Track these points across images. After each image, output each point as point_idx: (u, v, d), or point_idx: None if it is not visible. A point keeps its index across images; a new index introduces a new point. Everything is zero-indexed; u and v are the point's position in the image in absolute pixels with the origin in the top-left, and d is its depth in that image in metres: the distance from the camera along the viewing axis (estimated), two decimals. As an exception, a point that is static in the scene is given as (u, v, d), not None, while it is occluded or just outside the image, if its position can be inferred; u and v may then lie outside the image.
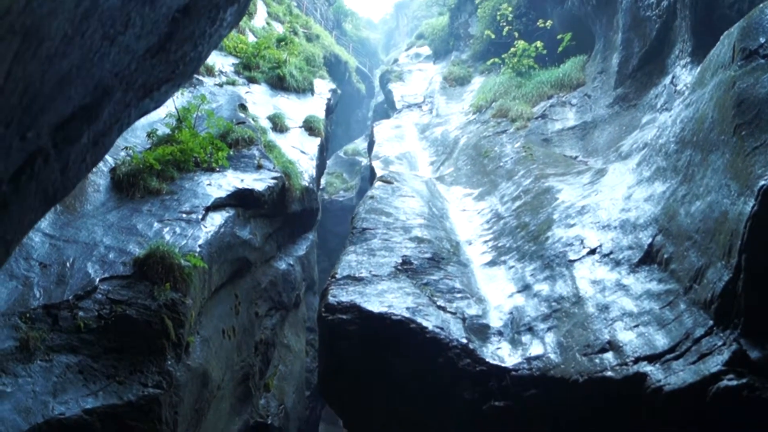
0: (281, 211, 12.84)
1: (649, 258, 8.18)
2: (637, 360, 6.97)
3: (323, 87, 24.15)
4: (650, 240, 8.29)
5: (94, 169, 9.20)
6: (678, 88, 12.91)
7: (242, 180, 11.47)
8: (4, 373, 6.41)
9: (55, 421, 6.39)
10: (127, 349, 7.26)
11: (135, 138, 11.65)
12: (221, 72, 18.87)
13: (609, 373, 7.09)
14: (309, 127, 18.26)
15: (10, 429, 6.04)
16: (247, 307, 11.25)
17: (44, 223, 8.36)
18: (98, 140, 4.59)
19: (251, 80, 19.48)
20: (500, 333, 8.65)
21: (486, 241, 11.76)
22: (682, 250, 7.49)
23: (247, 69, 20.16)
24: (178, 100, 13.22)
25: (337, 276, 9.32)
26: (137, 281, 7.88)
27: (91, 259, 8.13)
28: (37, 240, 8.06)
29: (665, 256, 7.84)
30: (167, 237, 8.89)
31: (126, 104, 4.85)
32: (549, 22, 22.42)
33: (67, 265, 7.93)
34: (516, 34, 23.66)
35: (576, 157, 14.78)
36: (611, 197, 10.05)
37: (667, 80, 13.62)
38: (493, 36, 25.61)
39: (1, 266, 4.17)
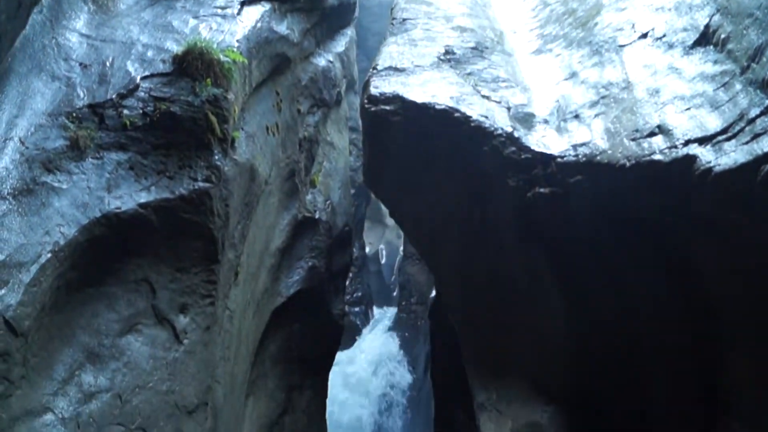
0: (318, 5, 12.44)
1: (704, 39, 7.79)
2: (687, 142, 6.84)
3: None
4: (707, 20, 7.86)
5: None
6: None
7: (276, -28, 11.03)
8: (58, 170, 6.53)
9: (112, 215, 6.58)
10: (174, 146, 7.32)
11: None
12: None
13: (657, 157, 6.99)
14: None
15: (70, 222, 6.25)
16: (288, 104, 11.20)
17: (80, 23, 8.21)
18: None
19: None
20: (546, 121, 8.53)
21: (531, 29, 11.33)
22: (741, 29, 7.10)
23: None
24: None
25: (379, 67, 9.14)
26: (178, 78, 7.80)
27: (130, 57, 8.03)
28: (74, 41, 7.95)
29: (722, 36, 7.45)
30: (204, 33, 8.70)
31: None
32: None
33: (107, 64, 7.85)
34: None
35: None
36: (666, -23, 9.48)
37: None
38: None
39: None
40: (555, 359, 9.22)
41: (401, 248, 27.50)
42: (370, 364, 22.13)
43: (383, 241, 32.89)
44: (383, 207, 23.71)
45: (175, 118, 7.30)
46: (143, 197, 6.82)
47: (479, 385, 9.55)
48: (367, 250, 29.62)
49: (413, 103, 8.41)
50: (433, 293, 17.91)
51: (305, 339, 11.66)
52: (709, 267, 7.57)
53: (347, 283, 16.71)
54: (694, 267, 7.76)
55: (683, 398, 8.38)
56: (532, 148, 8.14)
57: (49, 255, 5.90)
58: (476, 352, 9.86)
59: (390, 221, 30.04)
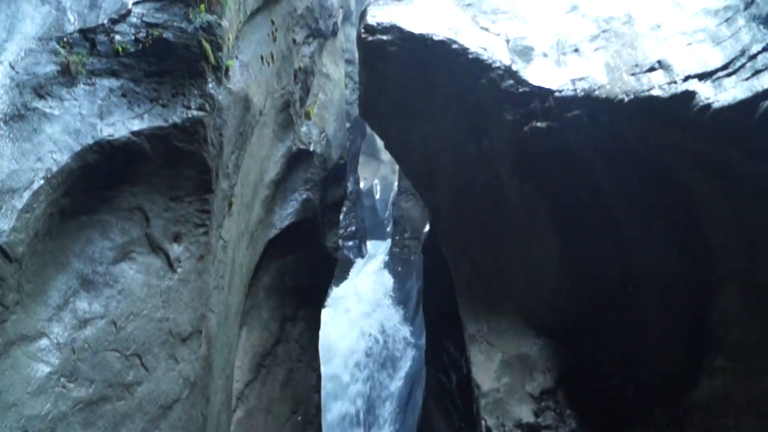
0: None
1: (708, -28, 7.67)
2: (686, 78, 6.78)
3: None
4: (711, -48, 7.72)
5: None
6: None
7: None
8: (49, 96, 6.44)
9: (104, 142, 6.51)
10: (167, 73, 7.20)
11: None
12: None
13: (656, 92, 6.94)
14: None
15: (63, 149, 6.19)
16: (284, 33, 11.01)
17: (70, -55, 8.00)
18: None
19: None
20: (545, 54, 8.40)
21: (532, -40, 11.10)
22: (746, -38, 6.99)
23: None
24: None
25: (376, -5, 8.97)
26: (171, 4, 7.61)
27: (122, -19, 7.86)
28: (64, -37, 7.76)
29: (727, -31, 7.33)
30: (198, -43, 8.49)
31: None
32: None
33: (98, -12, 7.69)
34: None
35: None
36: None
37: None
38: None
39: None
40: (547, 293, 9.32)
41: (396, 183, 27.44)
42: (361, 301, 22.31)
43: (378, 177, 32.84)
44: (378, 142, 23.60)
45: (168, 44, 7.16)
46: (136, 125, 6.74)
47: (471, 318, 9.66)
48: (362, 185, 29.60)
49: (411, 34, 8.28)
50: (427, 228, 17.97)
51: (299, 271, 11.72)
52: (704, 204, 7.60)
53: (341, 217, 16.71)
54: (689, 204, 7.78)
55: (672, 334, 8.50)
56: (530, 81, 8.05)
57: (41, 181, 5.86)
58: (469, 286, 9.94)
59: (385, 156, 29.94)
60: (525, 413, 9.07)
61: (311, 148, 12.09)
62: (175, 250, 7.01)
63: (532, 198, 8.96)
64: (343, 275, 23.03)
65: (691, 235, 7.94)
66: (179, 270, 6.95)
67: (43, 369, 5.54)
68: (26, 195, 5.68)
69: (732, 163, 6.68)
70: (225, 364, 8.32)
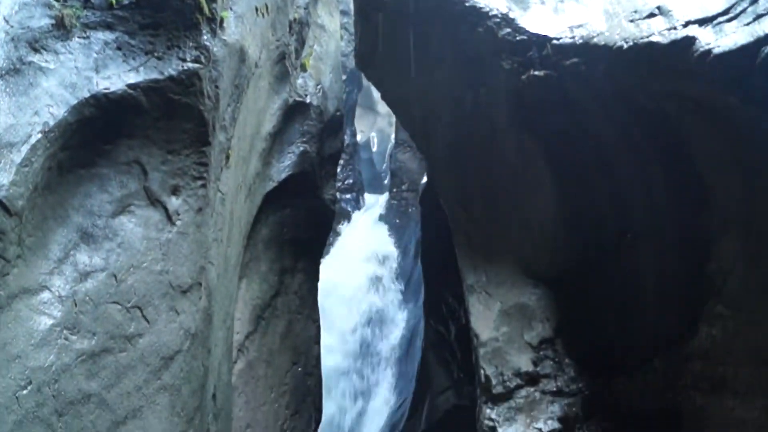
0: None
1: None
2: (687, 24, 6.71)
3: None
4: None
5: None
6: None
7: None
8: (45, 50, 6.37)
9: (101, 95, 6.47)
10: (162, 25, 7.12)
11: None
12: None
13: (656, 38, 6.87)
14: None
15: (59, 103, 6.15)
16: (278, -17, 10.89)
17: None
18: None
19: None
20: (542, 2, 8.30)
21: None
22: None
23: None
24: None
25: (372, -56, 8.86)
26: (164, -45, 7.52)
27: (113, -69, 7.73)
28: None
29: None
30: None
31: None
32: None
33: (89, -62, 7.56)
34: None
35: None
36: None
37: None
38: None
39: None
40: (545, 242, 9.37)
41: (393, 136, 27.38)
42: (360, 251, 22.40)
43: (375, 129, 32.74)
44: (375, 94, 23.46)
45: (162, -4, 7.07)
46: (132, 78, 6.68)
47: (469, 268, 9.71)
48: (359, 137, 29.51)
49: (406, -18, 8.20)
50: (424, 180, 17.98)
51: (297, 223, 11.73)
52: (704, 152, 7.59)
53: (338, 170, 16.68)
54: (688, 153, 7.77)
55: (670, 282, 8.55)
56: (528, 29, 7.97)
57: (39, 135, 5.83)
58: (467, 236, 9.97)
59: (382, 109, 29.79)
60: (524, 362, 9.17)
61: (307, 100, 12.00)
62: (174, 203, 7.01)
63: (530, 148, 8.94)
64: (341, 228, 23.10)
65: (690, 183, 7.94)
66: (178, 223, 6.96)
67: (46, 321, 5.58)
68: (24, 149, 5.67)
69: (732, 110, 6.65)
70: (225, 316, 8.38)
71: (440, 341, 14.47)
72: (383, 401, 18.43)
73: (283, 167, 11.35)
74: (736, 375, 7.88)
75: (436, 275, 14.59)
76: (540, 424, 8.85)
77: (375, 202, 26.62)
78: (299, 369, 11.70)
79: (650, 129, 7.95)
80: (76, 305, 5.85)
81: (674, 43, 6.66)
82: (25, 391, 5.05)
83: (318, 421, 12.30)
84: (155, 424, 5.96)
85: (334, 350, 18.29)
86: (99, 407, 5.56)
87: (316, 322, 12.59)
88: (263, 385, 10.49)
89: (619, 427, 8.75)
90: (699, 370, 8.21)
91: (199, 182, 7.30)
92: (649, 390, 8.58)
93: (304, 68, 12.60)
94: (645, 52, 6.91)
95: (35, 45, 6.29)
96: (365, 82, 24.13)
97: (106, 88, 6.49)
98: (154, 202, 6.92)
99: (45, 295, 5.69)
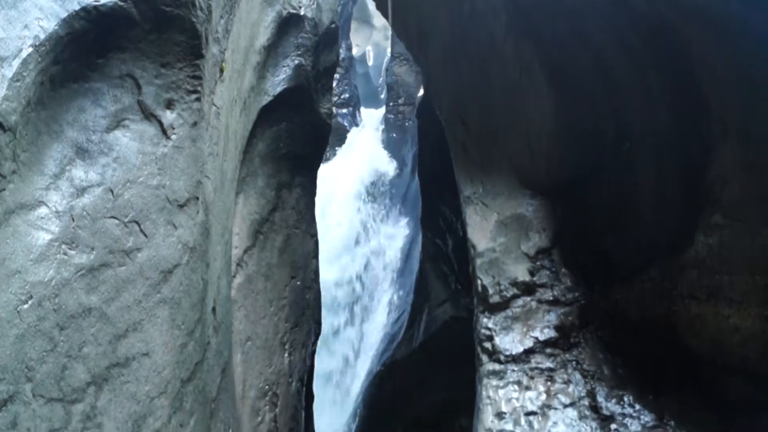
0: None
1: None
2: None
3: None
4: None
5: None
6: None
7: None
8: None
9: (91, 7, 6.28)
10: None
11: None
12: None
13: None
14: None
15: (50, 16, 5.99)
16: None
17: None
18: None
19: None
20: None
21: None
22: None
23: None
24: None
25: None
26: None
27: None
28: None
29: None
30: None
31: None
32: None
33: None
34: None
35: None
36: None
37: None
38: None
39: None
40: (542, 153, 9.34)
41: (388, 49, 27.00)
42: (357, 166, 22.37)
43: (370, 43, 32.28)
44: (370, 6, 23.03)
45: None
46: (121, -12, 6.50)
47: (466, 179, 9.70)
48: (354, 51, 29.14)
49: None
50: (421, 92, 17.79)
51: (293, 137, 11.66)
52: (702, 59, 7.48)
53: (334, 84, 16.48)
54: (687, 60, 7.66)
55: (668, 192, 8.56)
56: None
57: (30, 49, 5.69)
58: (464, 147, 9.94)
59: (377, 22, 29.30)
60: (520, 272, 9.26)
61: (302, 12, 11.77)
62: (168, 116, 6.92)
63: (527, 57, 8.82)
64: (338, 143, 23.01)
65: (689, 91, 7.86)
66: (173, 137, 6.88)
67: (44, 237, 5.57)
68: (15, 63, 5.54)
69: (731, 14, 6.52)
70: (223, 231, 8.40)
71: (438, 254, 14.60)
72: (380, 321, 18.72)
73: (278, 81, 11.20)
74: (731, 284, 7.98)
75: (433, 188, 14.61)
76: (536, 333, 9.00)
77: (371, 117, 26.46)
78: (298, 283, 11.81)
79: (649, 36, 7.81)
80: (73, 220, 5.84)
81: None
82: (26, 306, 5.08)
83: (317, 334, 12.50)
84: (156, 336, 6.03)
85: (332, 262, 18.48)
86: (100, 320, 5.60)
87: (314, 236, 12.65)
88: (262, 299, 10.61)
89: (615, 335, 8.90)
90: (695, 279, 8.30)
91: (194, 96, 7.19)
92: (645, 299, 8.70)
93: (297, -22, 12.32)
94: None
95: (21, -44, 6.10)
96: (360, -7, 23.68)
97: (96, 0, 6.32)
98: (149, 116, 6.82)
99: (42, 211, 5.66)
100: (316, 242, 12.69)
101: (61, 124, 6.19)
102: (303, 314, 11.73)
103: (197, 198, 7.03)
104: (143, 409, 5.62)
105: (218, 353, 7.45)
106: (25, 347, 4.81)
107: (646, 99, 8.37)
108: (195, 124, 7.16)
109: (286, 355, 10.83)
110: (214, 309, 7.45)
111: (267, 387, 9.97)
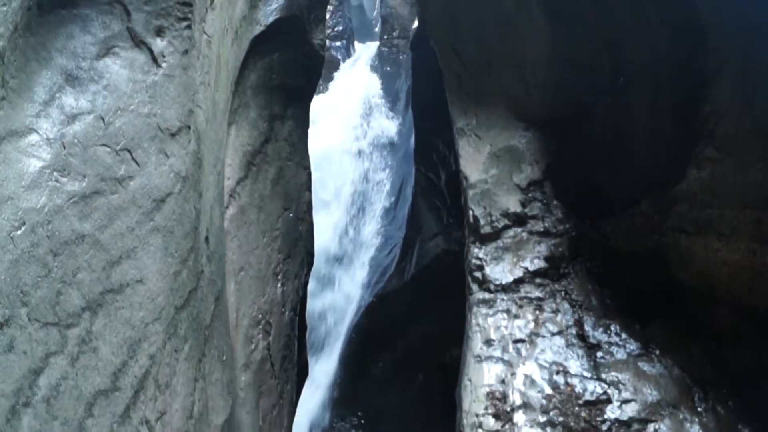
0: None
1: None
2: None
3: None
4: None
5: None
6: None
7: None
8: None
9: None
10: None
11: None
12: None
13: None
14: None
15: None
16: None
17: None
18: None
19: None
20: None
21: None
22: None
23: None
24: None
25: None
26: None
27: None
28: None
29: None
30: None
31: None
32: None
33: None
34: None
35: None
36: None
37: None
38: None
39: None
40: (537, 85, 9.29)
41: (383, -20, 26.53)
42: (349, 99, 22.24)
43: (364, -27, 31.66)
44: (364, -66, 22.51)
45: None
46: None
47: (459, 112, 9.68)
48: (348, -18, 28.62)
49: None
50: (416, 24, 17.58)
51: (286, 68, 11.53)
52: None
53: (328, 17, 16.23)
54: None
55: (662, 127, 8.57)
56: None
57: (15, -28, 5.59)
58: (458, 79, 9.88)
59: (371, -49, 28.67)
60: (512, 203, 9.32)
61: None
62: (159, 44, 6.83)
63: (524, -13, 8.70)
64: (331, 76, 22.81)
65: (686, 24, 7.81)
66: (164, 65, 6.81)
67: (35, 164, 5.56)
68: (0, -13, 5.45)
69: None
70: (215, 161, 8.38)
71: (430, 188, 14.64)
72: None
73: (270, 10, 11.02)
74: (721, 217, 8.06)
75: (426, 122, 14.56)
76: (526, 263, 9.10)
77: (365, 50, 26.17)
78: (291, 215, 11.84)
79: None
80: (64, 148, 5.81)
81: None
82: (19, 232, 5.09)
83: (310, 265, 12.59)
84: (149, 264, 6.07)
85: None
86: (93, 247, 5.63)
87: (306, 168, 12.63)
88: (255, 230, 10.64)
89: (604, 267, 9.01)
90: (685, 213, 8.38)
91: (184, 23, 7.08)
92: (636, 231, 8.79)
93: None
94: None
95: None
96: None
97: None
98: (139, 43, 6.73)
99: (33, 138, 5.63)
100: (309, 174, 12.69)
101: (50, 50, 6.11)
102: (296, 245, 11.80)
103: (189, 127, 6.99)
104: (138, 334, 5.70)
105: (212, 282, 7.52)
106: (20, 272, 4.84)
107: (643, 33, 8.30)
108: (186, 52, 7.07)
109: (279, 285, 10.93)
110: (207, 239, 7.48)
111: (260, 316, 10.09)
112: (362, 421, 15.94)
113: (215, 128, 8.47)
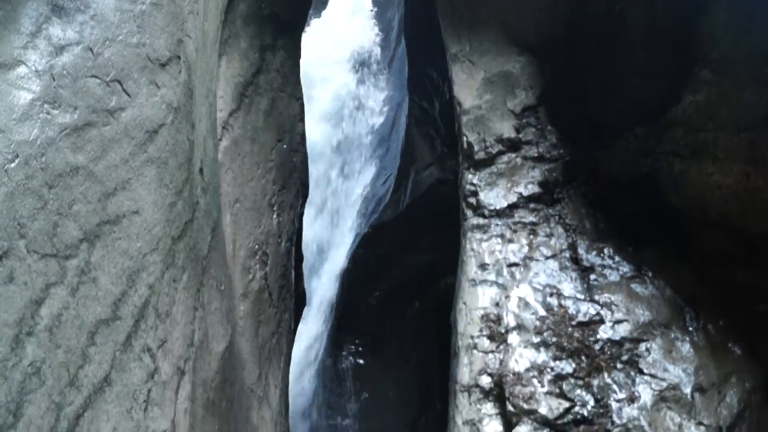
0: None
1: None
2: None
3: None
4: None
5: None
6: None
7: None
8: None
9: None
10: None
11: None
12: None
13: None
14: None
15: None
16: None
17: None
18: None
19: None
20: None
21: None
22: None
23: None
24: None
25: None
26: None
27: None
28: None
29: None
30: None
31: None
32: None
33: None
34: None
35: None
36: None
37: None
38: None
39: None
40: (531, 9, 9.17)
41: None
42: (341, 29, 21.95)
43: None
44: None
45: None
46: None
47: (453, 38, 9.58)
48: None
49: None
50: (408, -50, 17.21)
51: (276, -3, 11.38)
52: None
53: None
54: None
55: (658, 53, 8.51)
56: None
57: None
58: (451, 5, 9.75)
59: None
60: (506, 129, 9.30)
61: None
62: (145, -28, 6.71)
63: None
64: (323, 5, 22.42)
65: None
66: (152, -7, 6.70)
67: (26, 96, 5.50)
68: None
69: None
70: (207, 92, 8.31)
71: (424, 117, 14.57)
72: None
73: (258, -63, 10.83)
74: (716, 141, 8.08)
75: (419, 50, 14.39)
76: (520, 188, 9.13)
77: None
78: (284, 146, 11.81)
79: None
80: (54, 79, 5.75)
81: None
82: (13, 164, 5.08)
83: (305, 196, 12.62)
84: (144, 195, 6.08)
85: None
86: (87, 179, 5.62)
87: (299, 99, 12.55)
88: (249, 162, 10.63)
89: (598, 192, 9.06)
90: (680, 137, 8.39)
91: (170, -50, 6.96)
92: (630, 156, 8.81)
93: None
94: None
95: None
96: None
97: None
98: (124, -29, 6.62)
99: (21, 70, 5.56)
100: (302, 105, 12.61)
101: (35, -20, 6.00)
102: (290, 177, 11.80)
103: (179, 57, 6.92)
104: (136, 264, 5.74)
105: (207, 213, 7.55)
106: (16, 205, 4.85)
107: (640, -43, 8.19)
108: (173, -21, 6.96)
109: (275, 216, 10.97)
110: (201, 170, 7.48)
111: (257, 246, 10.15)
112: (360, 349, 16.22)
113: (205, 59, 8.38)
